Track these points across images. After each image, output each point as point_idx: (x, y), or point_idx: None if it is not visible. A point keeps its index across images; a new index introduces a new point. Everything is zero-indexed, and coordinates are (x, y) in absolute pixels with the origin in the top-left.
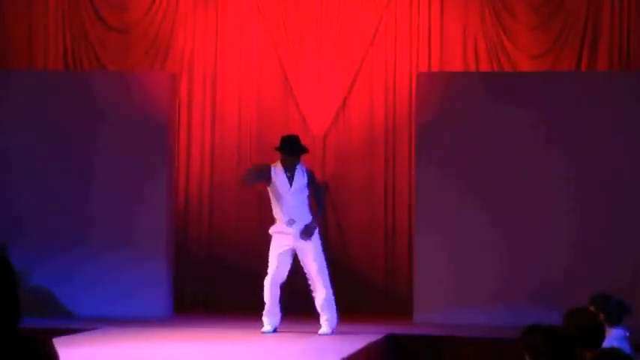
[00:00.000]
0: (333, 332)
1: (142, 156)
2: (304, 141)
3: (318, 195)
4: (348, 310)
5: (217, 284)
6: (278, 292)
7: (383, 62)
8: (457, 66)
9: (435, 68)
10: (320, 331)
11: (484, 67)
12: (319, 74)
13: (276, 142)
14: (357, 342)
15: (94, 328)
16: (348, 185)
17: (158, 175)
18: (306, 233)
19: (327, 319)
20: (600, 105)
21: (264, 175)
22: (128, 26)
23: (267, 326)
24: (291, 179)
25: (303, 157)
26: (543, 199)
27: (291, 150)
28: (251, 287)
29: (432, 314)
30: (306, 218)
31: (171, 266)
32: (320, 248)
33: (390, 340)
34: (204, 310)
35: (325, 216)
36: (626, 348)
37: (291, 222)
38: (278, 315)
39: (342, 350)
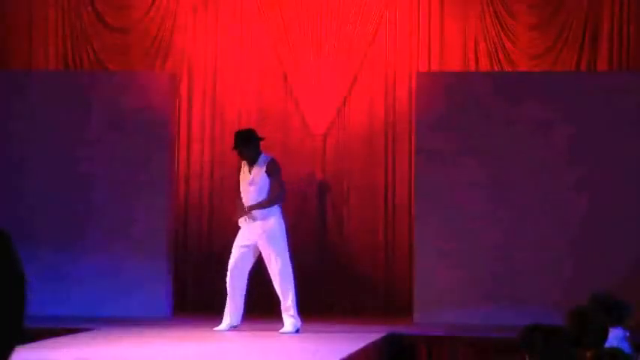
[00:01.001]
0: (298, 331)
1: (141, 156)
2: (304, 141)
3: (273, 187)
4: (348, 310)
5: (217, 284)
6: (240, 287)
7: (383, 62)
8: (457, 66)
9: (435, 68)
10: (281, 330)
11: (484, 67)
12: (319, 74)
13: (277, 142)
14: (357, 342)
15: (93, 328)
16: (348, 185)
17: (158, 175)
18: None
19: (286, 313)
20: (600, 105)
21: (239, 172)
22: (128, 26)
23: (223, 324)
24: (251, 172)
25: (302, 155)
26: (545, 199)
27: (234, 147)
28: (250, 287)
29: (432, 314)
30: (265, 212)
31: (171, 266)
32: (282, 246)
33: (390, 340)
34: (204, 310)
35: (265, 206)
36: (626, 348)
37: (251, 216)
38: (237, 313)
39: (342, 350)
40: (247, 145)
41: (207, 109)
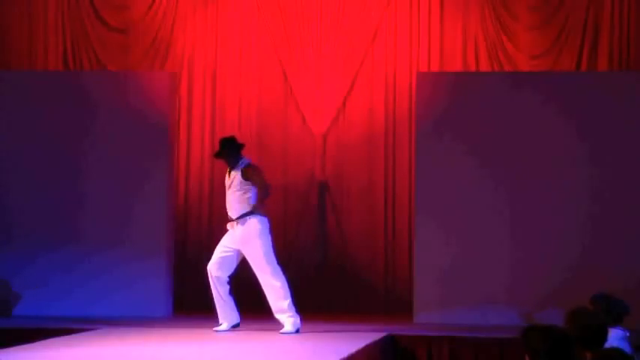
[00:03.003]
0: (298, 331)
1: (141, 156)
2: (304, 141)
3: (257, 186)
4: (348, 310)
5: None
6: (224, 290)
7: (383, 62)
8: (457, 66)
9: (435, 68)
10: (282, 330)
11: (484, 67)
12: (319, 74)
13: (276, 142)
14: (357, 342)
15: (94, 328)
16: (348, 185)
17: (158, 174)
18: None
19: (287, 316)
20: (600, 105)
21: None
22: (128, 26)
23: (221, 325)
24: (229, 178)
25: (302, 155)
26: (545, 199)
27: (216, 154)
28: (250, 287)
29: (432, 314)
30: (245, 216)
31: (171, 266)
32: (264, 250)
33: (390, 340)
34: (204, 310)
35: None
36: (626, 348)
37: (230, 219)
38: (232, 312)
39: (342, 350)
40: (232, 152)
41: (207, 109)
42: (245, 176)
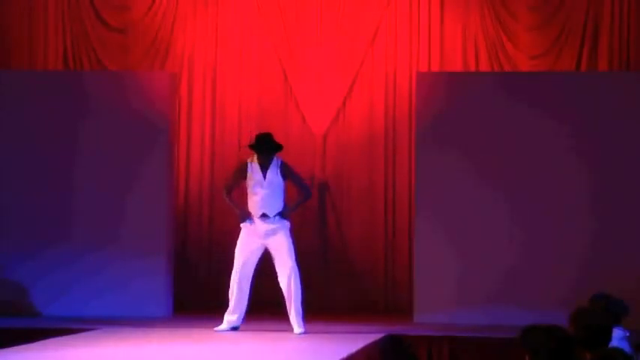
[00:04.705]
0: (306, 329)
1: (141, 156)
2: (304, 141)
3: (300, 187)
4: (348, 310)
5: (217, 284)
6: (247, 290)
7: (383, 62)
8: (457, 66)
9: (435, 68)
10: (296, 332)
11: (484, 67)
12: (319, 74)
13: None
14: (357, 342)
15: (94, 328)
16: (348, 185)
17: (158, 175)
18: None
19: (298, 316)
20: (601, 105)
21: (243, 174)
22: (128, 26)
23: (224, 324)
24: (265, 174)
25: (302, 155)
26: (546, 199)
27: (263, 148)
28: (251, 287)
29: (432, 314)
30: (280, 211)
31: (171, 266)
32: (292, 246)
33: (390, 340)
34: (204, 310)
35: (294, 209)
36: (626, 348)
37: (264, 216)
38: (242, 314)
39: (342, 350)
40: (272, 152)
41: (207, 109)
42: (284, 174)
